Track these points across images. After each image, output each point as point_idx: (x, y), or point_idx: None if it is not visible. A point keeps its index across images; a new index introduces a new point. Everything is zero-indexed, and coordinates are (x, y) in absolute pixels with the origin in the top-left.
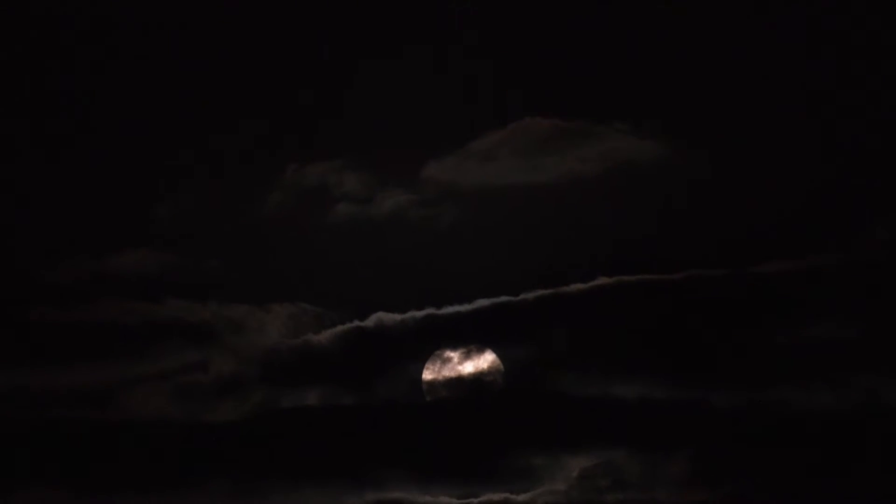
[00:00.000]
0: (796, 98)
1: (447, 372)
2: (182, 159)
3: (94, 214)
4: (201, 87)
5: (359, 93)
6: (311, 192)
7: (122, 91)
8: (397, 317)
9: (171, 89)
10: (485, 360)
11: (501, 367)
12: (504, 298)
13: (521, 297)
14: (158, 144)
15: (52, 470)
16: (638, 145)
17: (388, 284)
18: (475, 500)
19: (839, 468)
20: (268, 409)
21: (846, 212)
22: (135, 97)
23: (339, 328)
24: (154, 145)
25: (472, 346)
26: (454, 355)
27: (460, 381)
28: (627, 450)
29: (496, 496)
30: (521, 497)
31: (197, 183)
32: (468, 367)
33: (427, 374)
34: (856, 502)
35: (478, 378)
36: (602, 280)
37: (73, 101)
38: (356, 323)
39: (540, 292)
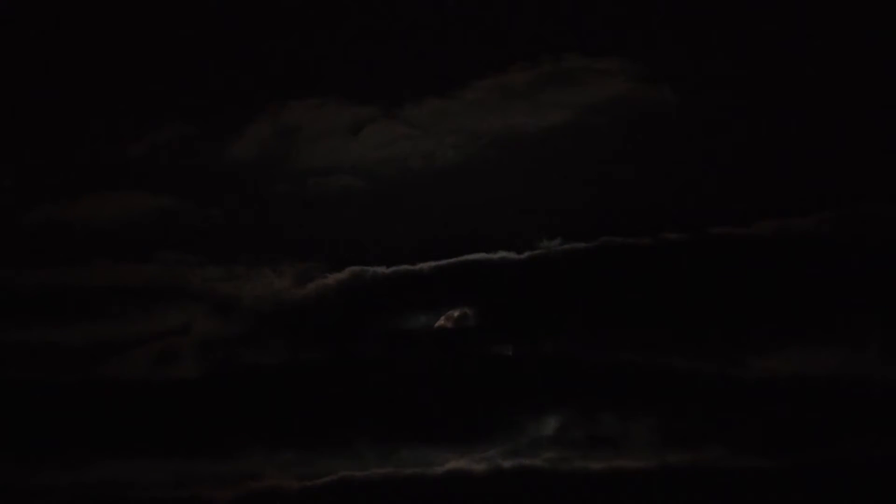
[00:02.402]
0: (794, 49)
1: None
2: (156, 98)
3: (61, 154)
4: (178, 25)
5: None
6: (289, 131)
7: (97, 25)
8: (372, 270)
9: (147, 25)
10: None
11: (474, 324)
12: (480, 255)
13: (499, 255)
14: (132, 81)
15: (31, 432)
16: (626, 90)
17: (367, 235)
18: (439, 469)
19: (815, 433)
20: (246, 367)
21: (835, 176)
22: (108, 31)
23: (315, 283)
24: (128, 82)
25: (447, 303)
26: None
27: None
28: (602, 413)
29: (464, 462)
30: (484, 464)
31: (171, 123)
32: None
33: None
34: (832, 466)
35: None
36: (582, 244)
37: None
38: (330, 276)
39: (513, 254)
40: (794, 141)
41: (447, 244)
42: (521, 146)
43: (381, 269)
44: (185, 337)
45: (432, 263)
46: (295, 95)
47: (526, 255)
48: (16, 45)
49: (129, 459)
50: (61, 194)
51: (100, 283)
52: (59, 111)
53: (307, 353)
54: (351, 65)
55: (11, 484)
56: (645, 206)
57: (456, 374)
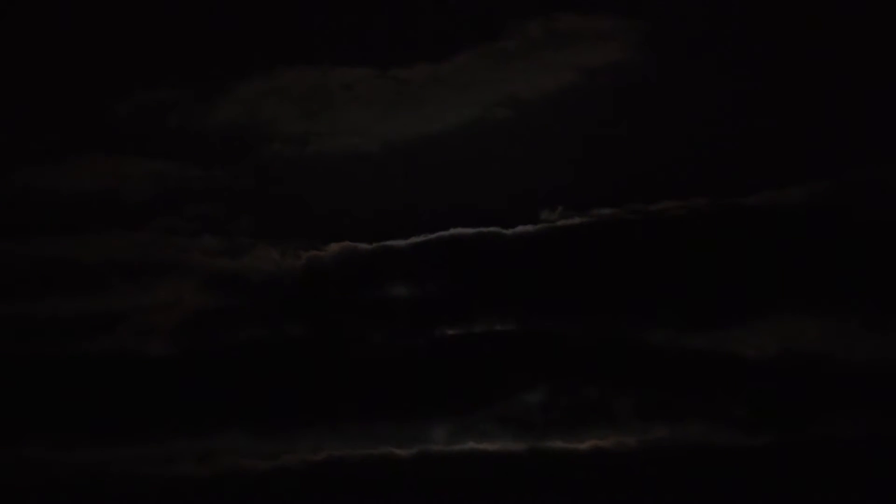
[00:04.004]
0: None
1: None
2: (145, 58)
3: (43, 115)
4: None
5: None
6: (278, 95)
7: None
8: (361, 244)
9: None
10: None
11: (460, 300)
12: (468, 231)
13: (490, 230)
14: (119, 40)
15: (15, 408)
16: (621, 52)
17: (360, 204)
18: (413, 449)
19: (799, 409)
20: (227, 344)
21: (829, 146)
22: None
23: (307, 255)
24: (115, 41)
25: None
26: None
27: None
28: (584, 389)
29: (440, 443)
30: (463, 444)
31: (161, 84)
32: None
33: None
34: (810, 440)
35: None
36: (567, 219)
37: None
38: (322, 249)
39: (500, 229)
40: (793, 110)
41: (440, 216)
42: (514, 113)
43: (370, 244)
44: (172, 311)
45: (417, 239)
46: (285, 59)
47: (511, 231)
48: None
49: (114, 437)
50: (43, 157)
51: (84, 252)
52: (40, 69)
53: (293, 329)
54: (342, 30)
55: None
56: (637, 176)
57: (438, 352)
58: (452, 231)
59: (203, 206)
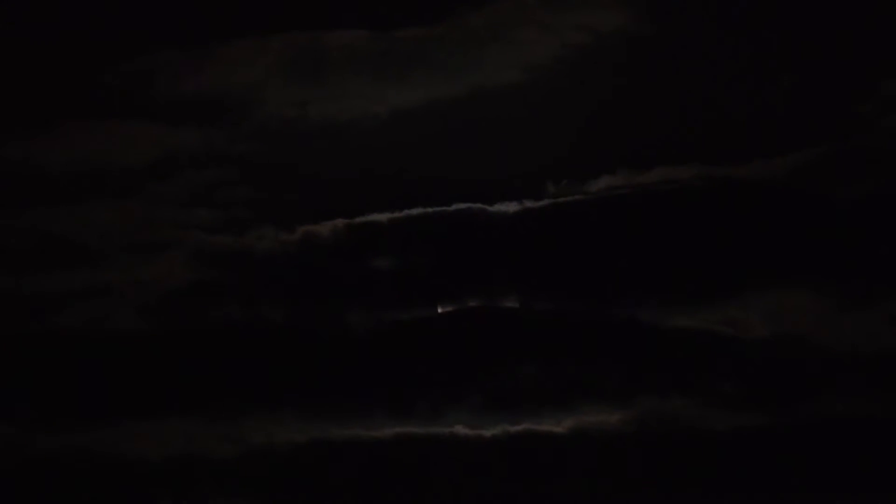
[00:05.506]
0: None
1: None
2: (131, 20)
3: (33, 83)
4: None
5: None
6: (264, 62)
7: None
8: (354, 221)
9: None
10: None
11: (445, 278)
12: (446, 207)
13: (477, 206)
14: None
15: None
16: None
17: (356, 175)
18: (389, 432)
19: (787, 389)
20: (217, 321)
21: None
22: None
23: (302, 229)
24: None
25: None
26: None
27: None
28: (576, 364)
29: (417, 427)
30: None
31: (155, 51)
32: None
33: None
34: (800, 419)
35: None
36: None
37: None
38: (312, 225)
39: (484, 206)
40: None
41: (438, 188)
42: (507, 88)
43: (362, 219)
44: (162, 285)
45: (408, 213)
46: (278, 23)
47: (496, 207)
48: None
49: (99, 416)
50: (34, 127)
51: (75, 225)
52: (29, 34)
53: (284, 307)
54: None
55: None
56: (630, 147)
57: (430, 330)
58: (442, 208)
59: (198, 176)
